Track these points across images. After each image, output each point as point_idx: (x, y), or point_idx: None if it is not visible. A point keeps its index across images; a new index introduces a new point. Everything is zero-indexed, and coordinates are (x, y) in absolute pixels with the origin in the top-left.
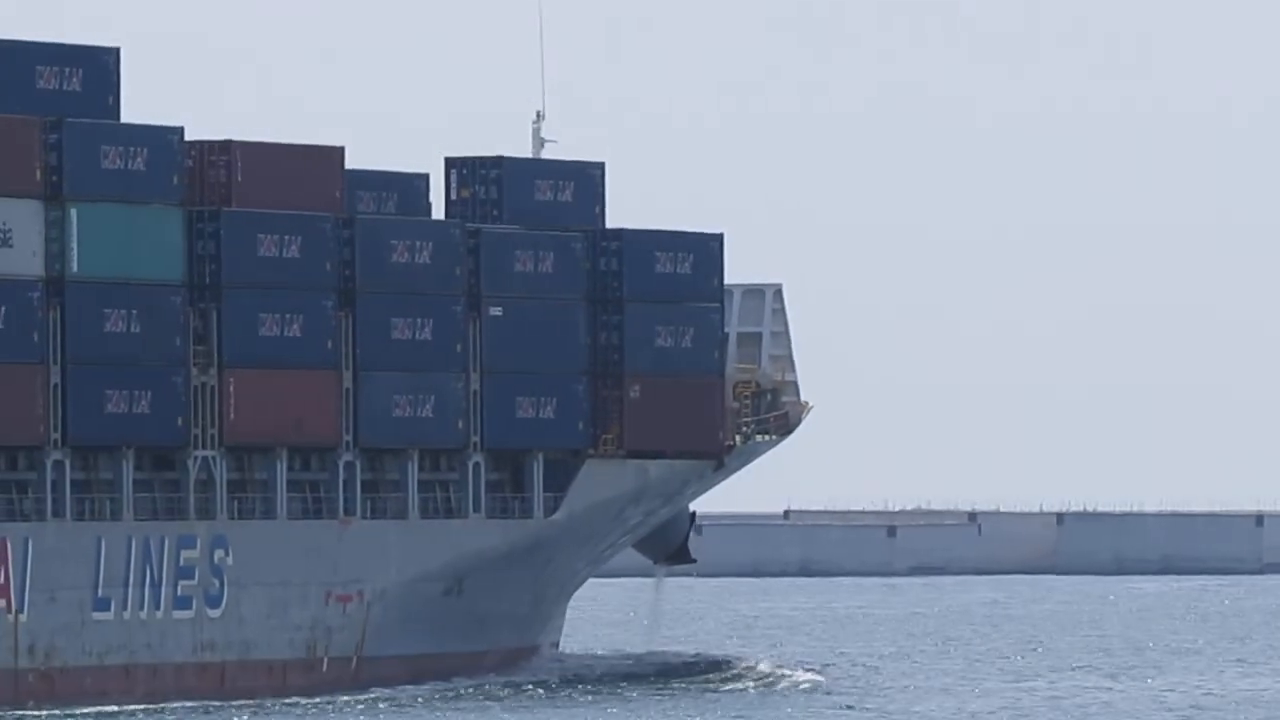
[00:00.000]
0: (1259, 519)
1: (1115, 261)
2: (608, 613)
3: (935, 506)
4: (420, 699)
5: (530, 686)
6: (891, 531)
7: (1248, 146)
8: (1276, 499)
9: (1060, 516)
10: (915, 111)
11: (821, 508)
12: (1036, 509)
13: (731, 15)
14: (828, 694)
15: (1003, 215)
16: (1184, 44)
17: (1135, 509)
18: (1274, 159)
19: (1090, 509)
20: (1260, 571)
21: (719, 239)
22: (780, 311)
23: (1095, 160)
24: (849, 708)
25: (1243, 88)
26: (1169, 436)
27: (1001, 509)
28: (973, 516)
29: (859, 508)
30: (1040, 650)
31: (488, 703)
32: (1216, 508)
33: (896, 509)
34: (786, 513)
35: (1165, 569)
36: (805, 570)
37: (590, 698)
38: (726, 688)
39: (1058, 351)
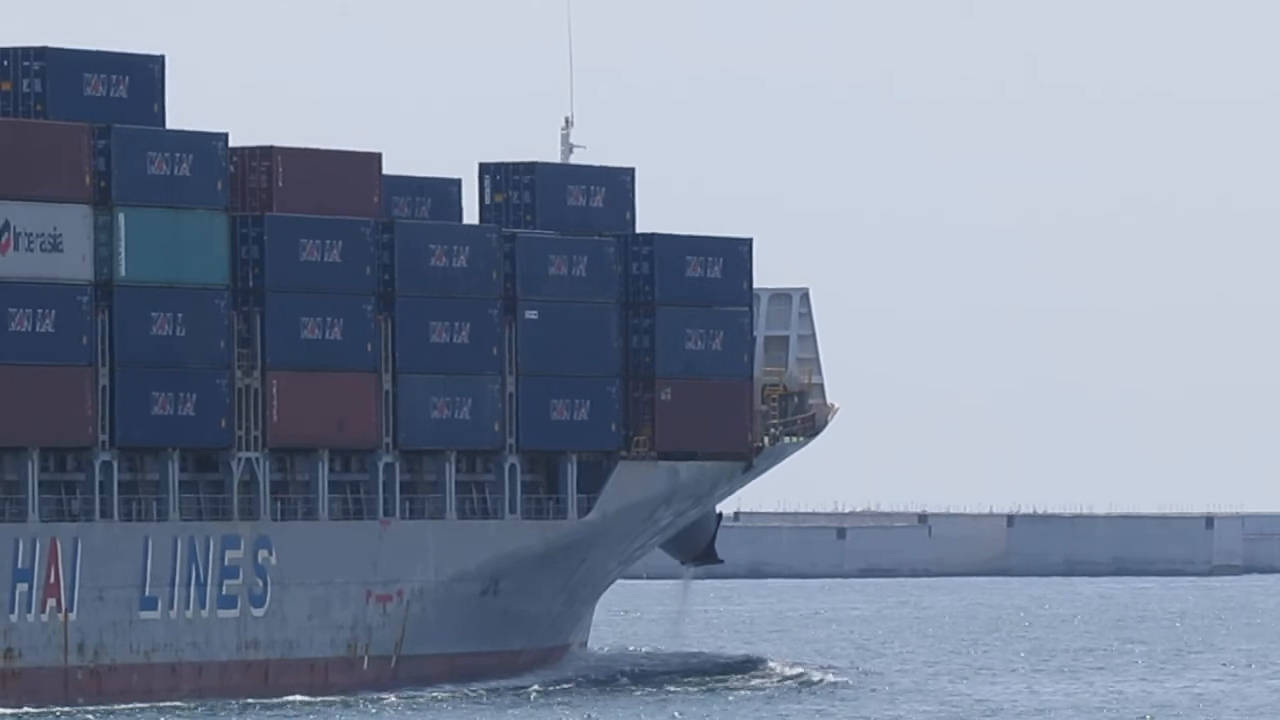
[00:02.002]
0: (1209, 521)
1: (1067, 266)
2: (611, 612)
3: (885, 508)
4: (485, 696)
5: (572, 684)
6: (841, 533)
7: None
8: (1226, 501)
9: (1011, 518)
10: (942, 120)
11: (771, 509)
12: (987, 511)
13: (761, 23)
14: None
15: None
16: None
17: (1085, 511)
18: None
19: (1041, 511)
20: (1210, 573)
21: (748, 243)
22: (807, 315)
23: (1095, 158)
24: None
25: None
26: (1119, 439)
27: (952, 511)
28: (923, 518)
29: (809, 509)
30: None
31: (548, 701)
32: (1166, 510)
33: (846, 510)
34: (737, 514)
35: (1115, 571)
36: (755, 572)
37: (641, 693)
38: (769, 686)
39: (1007, 355)
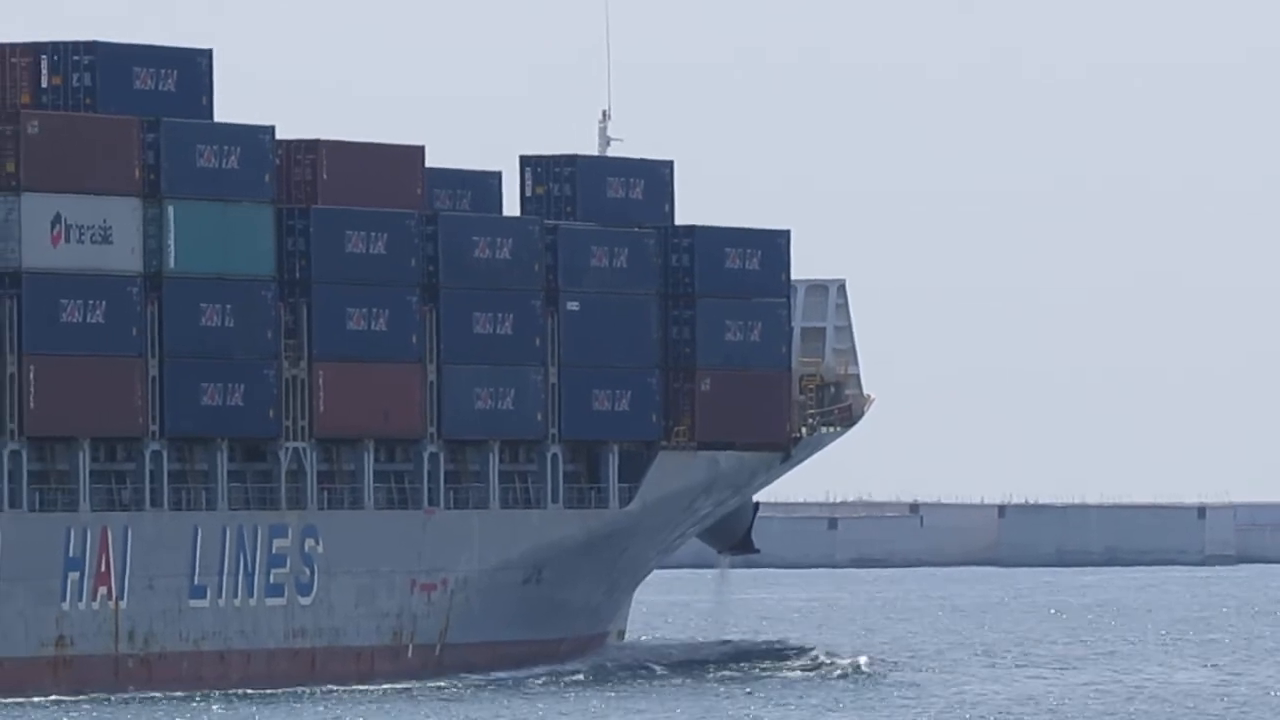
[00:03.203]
0: (1201, 511)
1: (1057, 255)
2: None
3: (876, 498)
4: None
5: (616, 672)
6: (833, 524)
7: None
8: (1218, 491)
9: (1002, 509)
10: (974, 112)
11: (763, 499)
12: (978, 501)
13: (796, 13)
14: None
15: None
16: None
17: (1077, 501)
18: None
19: (1032, 501)
20: (1203, 563)
21: (786, 235)
22: (843, 306)
23: (1090, 141)
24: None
25: None
26: (1111, 429)
27: (943, 501)
28: (914, 508)
29: (800, 499)
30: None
31: (595, 688)
32: (1159, 500)
33: (838, 500)
34: None
35: (1107, 561)
36: (748, 562)
37: (682, 681)
38: (811, 674)
39: (997, 345)
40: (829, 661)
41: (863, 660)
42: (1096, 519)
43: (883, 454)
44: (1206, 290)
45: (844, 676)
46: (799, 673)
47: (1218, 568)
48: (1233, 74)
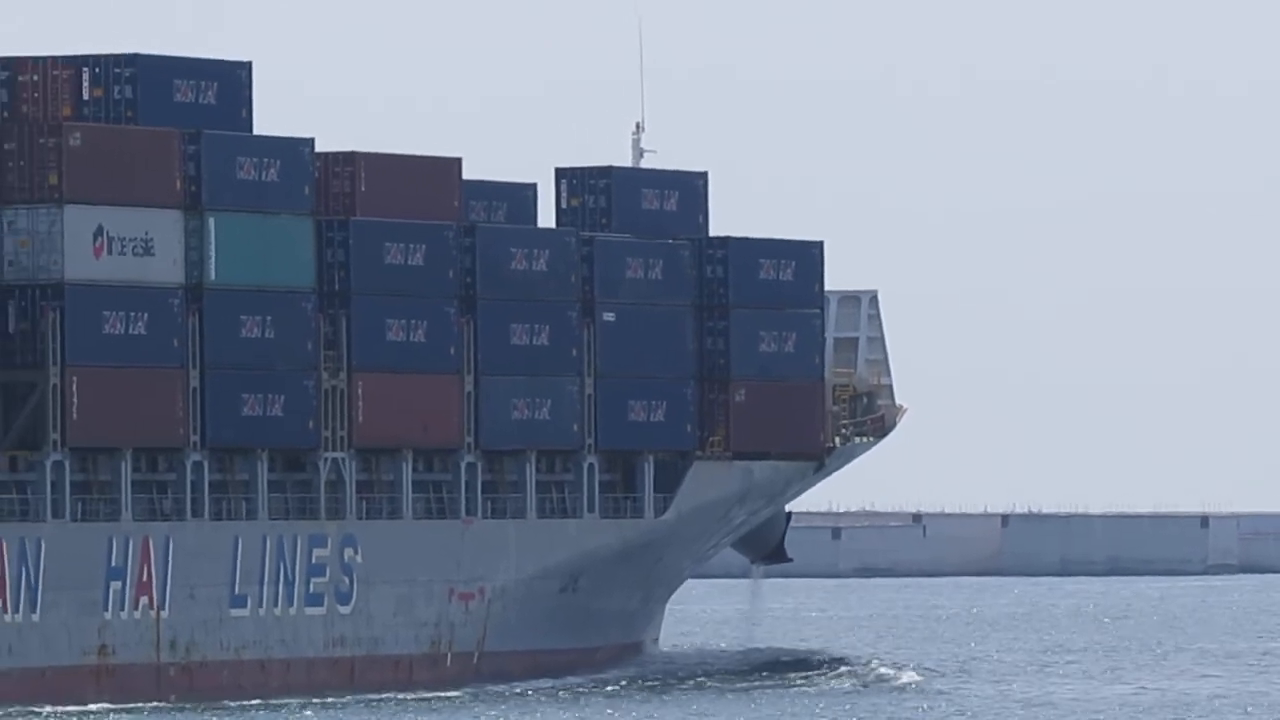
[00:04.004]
0: (1204, 520)
1: (1060, 263)
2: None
3: (880, 508)
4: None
5: (653, 680)
6: (836, 533)
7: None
8: (1222, 501)
9: (1005, 518)
10: (1006, 124)
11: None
12: (981, 510)
13: (827, 24)
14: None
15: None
16: None
17: (1080, 510)
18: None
19: (1035, 510)
20: (1205, 573)
21: (819, 246)
22: (876, 317)
23: (1100, 149)
24: None
25: None
26: (1114, 438)
27: (946, 511)
28: (917, 518)
29: (803, 508)
30: None
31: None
32: (1161, 509)
33: (841, 510)
34: None
35: (1110, 571)
36: (749, 571)
37: (724, 688)
38: (847, 685)
39: (1000, 354)
40: (890, 672)
41: (906, 673)
42: (1100, 529)
43: (886, 464)
44: (1210, 300)
45: (901, 689)
46: (848, 683)
47: (1221, 578)
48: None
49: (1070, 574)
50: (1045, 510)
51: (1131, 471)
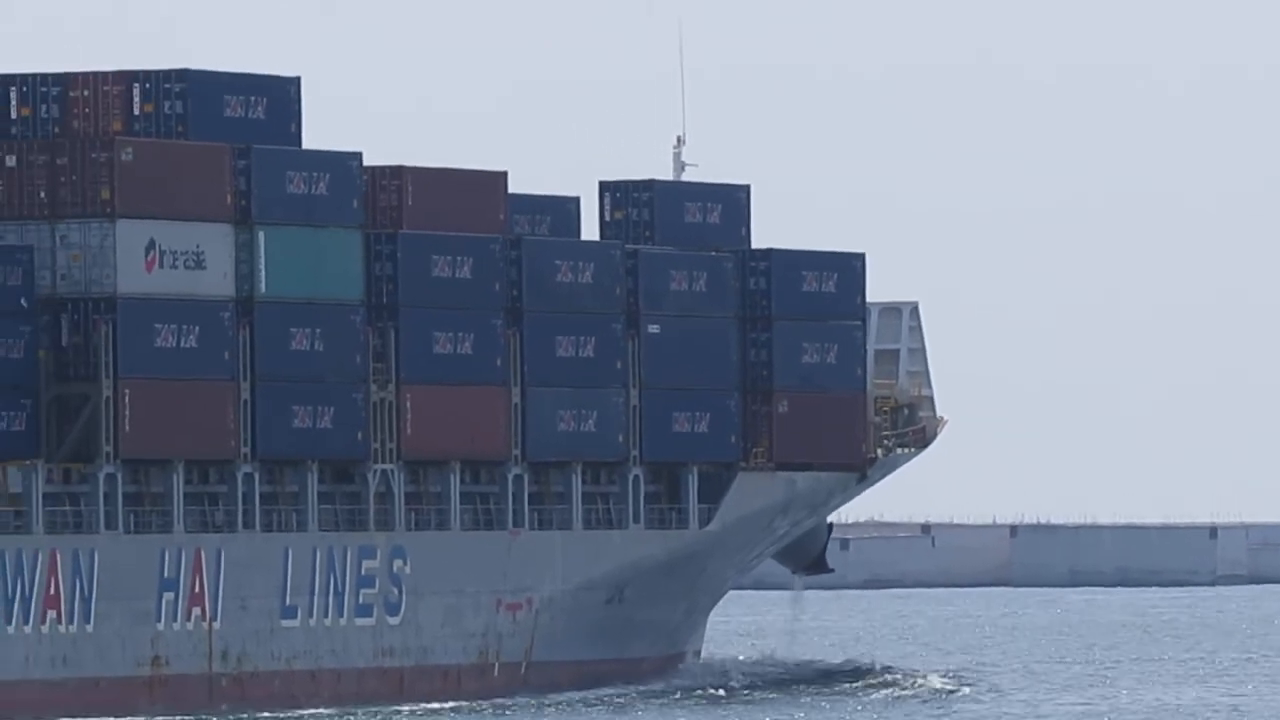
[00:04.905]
0: (1213, 531)
1: (1069, 274)
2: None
3: (888, 519)
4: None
5: (712, 692)
6: (845, 544)
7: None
8: (1230, 512)
9: (1014, 529)
10: (1049, 135)
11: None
12: (990, 521)
13: (869, 39)
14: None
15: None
16: None
17: (1089, 521)
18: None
19: (1044, 521)
20: (1214, 583)
21: (861, 258)
22: (917, 329)
23: (1109, 152)
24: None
25: None
26: (1123, 449)
27: (955, 521)
28: (926, 529)
29: None
30: None
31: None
32: (1170, 520)
33: (850, 521)
34: None
35: (1119, 581)
36: (759, 583)
37: (773, 698)
38: (894, 694)
39: (1007, 364)
40: (945, 684)
41: (936, 680)
42: (1108, 539)
43: (894, 475)
44: (1218, 310)
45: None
46: (897, 692)
47: (1230, 588)
48: None
49: (1079, 584)
50: (1054, 521)
51: (1140, 482)
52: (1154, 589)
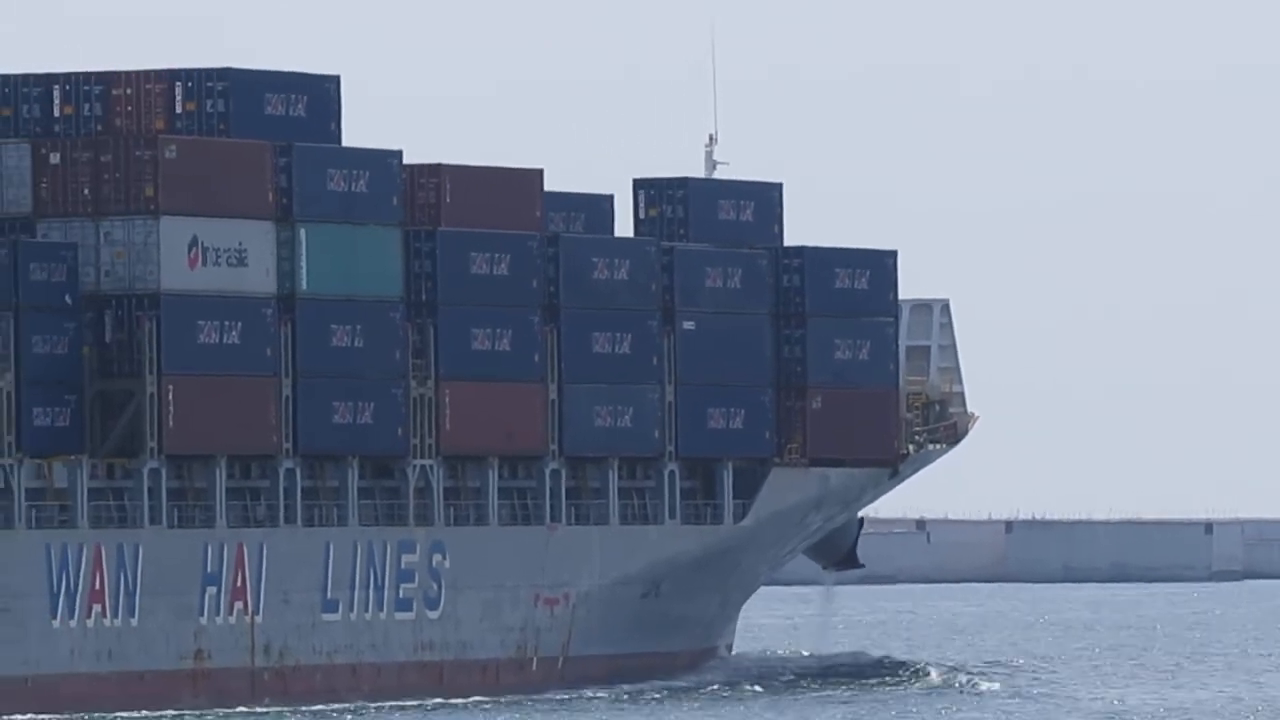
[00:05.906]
0: (1208, 527)
1: (1064, 268)
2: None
3: (883, 515)
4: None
5: (738, 685)
6: None
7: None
8: (1226, 507)
9: (1009, 524)
10: (1074, 135)
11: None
12: (985, 517)
13: (898, 37)
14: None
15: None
16: None
17: (1085, 517)
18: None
19: (1039, 517)
20: (1209, 579)
21: (893, 255)
22: (948, 326)
23: (1097, 150)
24: None
25: None
26: (1118, 445)
27: (950, 517)
28: (921, 525)
29: None
30: None
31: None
32: (1166, 515)
33: None
34: None
35: (1115, 577)
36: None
37: (813, 693)
38: (926, 690)
39: (1002, 360)
40: (980, 680)
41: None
42: (1104, 535)
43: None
44: (1214, 306)
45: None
46: (931, 687)
47: (1225, 583)
48: None
49: (1074, 580)
50: (1049, 517)
51: (1135, 478)
52: (1148, 585)
